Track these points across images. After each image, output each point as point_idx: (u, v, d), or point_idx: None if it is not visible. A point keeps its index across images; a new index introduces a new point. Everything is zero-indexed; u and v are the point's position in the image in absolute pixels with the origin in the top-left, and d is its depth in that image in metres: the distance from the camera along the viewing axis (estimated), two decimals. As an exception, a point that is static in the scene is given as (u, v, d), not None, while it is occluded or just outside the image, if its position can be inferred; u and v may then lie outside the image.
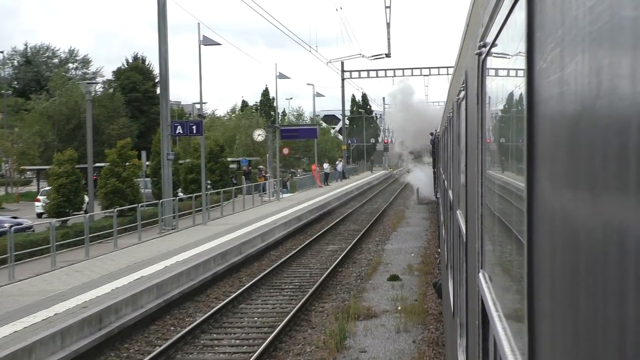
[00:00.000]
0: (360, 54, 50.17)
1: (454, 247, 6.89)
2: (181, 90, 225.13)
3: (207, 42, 31.06)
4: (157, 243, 25.36)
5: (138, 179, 37.13)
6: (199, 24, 30.57)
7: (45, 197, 35.34)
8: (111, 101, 63.75)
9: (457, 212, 6.02)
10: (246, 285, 20.33)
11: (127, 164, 33.86)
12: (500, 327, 2.24)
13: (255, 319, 17.12)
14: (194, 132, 30.24)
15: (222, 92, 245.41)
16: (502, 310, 2.37)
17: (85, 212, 31.32)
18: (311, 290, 19.20)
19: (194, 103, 52.61)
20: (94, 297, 15.25)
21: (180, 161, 42.62)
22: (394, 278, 21.22)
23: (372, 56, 46.38)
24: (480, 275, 3.09)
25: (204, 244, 24.53)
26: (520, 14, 1.85)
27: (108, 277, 17.86)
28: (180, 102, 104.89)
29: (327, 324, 16.01)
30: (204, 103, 44.98)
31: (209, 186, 47.19)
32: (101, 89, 73.02)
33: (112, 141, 52.31)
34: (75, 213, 30.95)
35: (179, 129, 30.18)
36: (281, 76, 48.22)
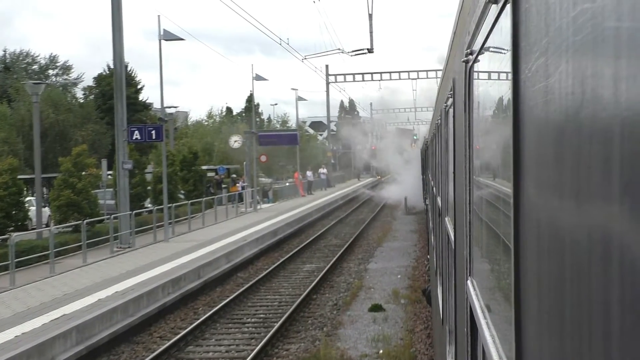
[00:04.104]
0: (339, 49, 46.76)
1: (442, 254, 6.83)
2: (174, 98, 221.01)
3: (167, 36, 27.78)
4: (104, 266, 21.98)
5: (97, 190, 33.74)
6: (158, 16, 27.35)
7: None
8: (80, 106, 60.27)
9: (446, 219, 6.00)
10: (201, 318, 17.03)
11: (83, 173, 30.46)
12: (489, 335, 2.26)
13: (202, 367, 13.83)
14: (153, 137, 26.90)
15: (213, 100, 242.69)
16: (491, 318, 2.39)
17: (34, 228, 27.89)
18: (276, 327, 15.92)
19: (165, 107, 49.23)
20: (-14, 348, 11.89)
21: (148, 171, 39.19)
22: (376, 308, 17.96)
23: (353, 51, 43.07)
24: (469, 282, 3.09)
25: (158, 266, 21.19)
26: (506, 23, 1.87)
27: (22, 316, 14.49)
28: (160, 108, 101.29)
29: (289, 378, 12.73)
30: (168, 107, 41.67)
31: (182, 196, 43.84)
32: (82, 96, 69.37)
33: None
34: (33, 229, 27.61)
35: (137, 135, 26.84)
36: (258, 78, 45.03)
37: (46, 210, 34.56)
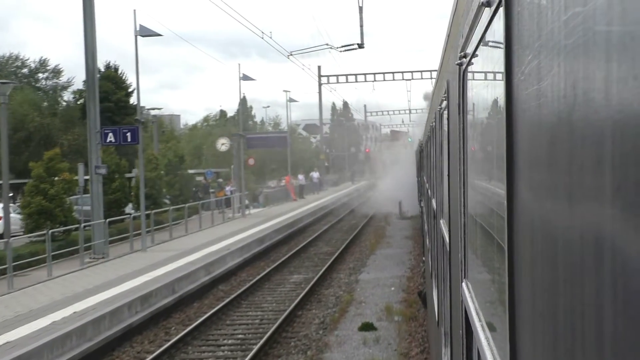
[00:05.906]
0: (328, 45, 44.94)
1: (437, 257, 6.89)
2: (172, 101, 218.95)
3: (144, 32, 25.99)
4: (70, 280, 20.12)
5: (75, 196, 31.87)
6: (134, 10, 25.53)
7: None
8: (66, 110, 58.41)
9: (441, 221, 5.96)
10: (171, 341, 15.22)
11: (55, 179, 28.56)
12: (483, 337, 2.25)
13: (165, 402, 12.01)
14: (129, 140, 25.05)
15: (211, 103, 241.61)
16: (485, 320, 2.38)
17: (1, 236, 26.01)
18: (254, 350, 14.13)
19: (150, 109, 47.48)
20: None
21: (129, 175, 37.34)
22: (367, 327, 16.16)
23: (343, 47, 41.20)
24: (464, 285, 3.12)
25: (129, 280, 19.35)
26: (499, 26, 1.87)
27: (-42, 345, 12.65)
28: (146, 109, 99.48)
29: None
30: (152, 108, 40.11)
31: (167, 201, 41.99)
32: (72, 99, 67.77)
33: (65, 153, 46.79)
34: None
35: (111, 137, 25.01)
36: (245, 78, 43.22)
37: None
